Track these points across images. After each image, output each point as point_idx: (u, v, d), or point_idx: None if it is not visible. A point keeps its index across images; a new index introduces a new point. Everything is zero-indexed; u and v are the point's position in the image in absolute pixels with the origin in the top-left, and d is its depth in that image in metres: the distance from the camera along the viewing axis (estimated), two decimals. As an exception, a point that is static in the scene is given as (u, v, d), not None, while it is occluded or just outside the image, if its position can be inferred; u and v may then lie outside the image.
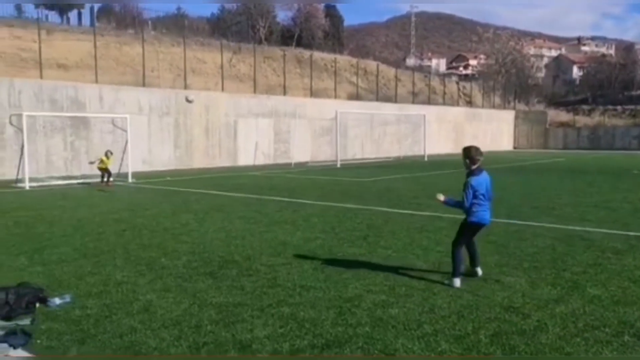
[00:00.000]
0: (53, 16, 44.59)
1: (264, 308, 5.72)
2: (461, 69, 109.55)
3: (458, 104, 53.74)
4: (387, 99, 44.13)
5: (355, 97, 41.70)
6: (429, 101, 47.74)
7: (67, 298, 5.97)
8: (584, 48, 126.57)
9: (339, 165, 29.58)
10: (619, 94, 73.40)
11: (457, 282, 6.47)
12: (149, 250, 8.51)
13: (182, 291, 6.35)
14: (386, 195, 15.84)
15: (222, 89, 31.66)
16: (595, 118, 61.02)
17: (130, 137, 22.44)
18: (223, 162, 30.22)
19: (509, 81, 69.41)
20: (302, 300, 5.98)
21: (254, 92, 33.62)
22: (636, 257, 7.91)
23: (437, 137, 44.63)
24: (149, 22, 48.81)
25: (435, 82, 55.27)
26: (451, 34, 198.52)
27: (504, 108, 57.88)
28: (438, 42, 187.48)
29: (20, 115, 20.11)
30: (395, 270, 7.21)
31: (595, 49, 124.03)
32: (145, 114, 26.98)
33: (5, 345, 4.57)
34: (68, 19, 46.77)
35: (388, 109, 40.83)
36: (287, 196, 15.64)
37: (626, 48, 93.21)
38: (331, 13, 67.02)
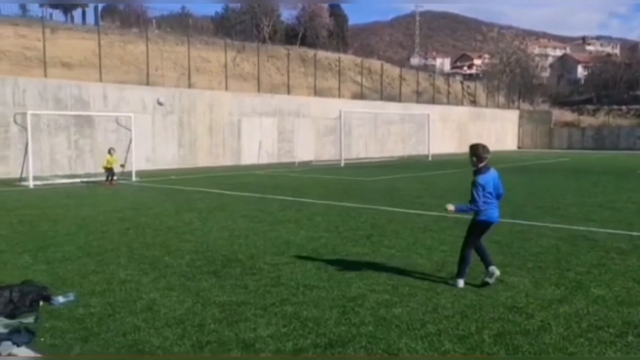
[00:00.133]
0: (57, 15, 44.75)
1: (267, 307, 5.72)
2: (465, 68, 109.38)
3: (462, 104, 53.67)
4: (391, 99, 44.09)
5: (360, 96, 41.67)
6: (433, 101, 47.66)
7: (71, 296, 5.98)
8: (589, 47, 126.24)
9: (342, 165, 29.56)
10: (624, 94, 73.14)
11: (461, 282, 6.45)
12: (152, 249, 8.52)
13: (185, 290, 6.35)
14: (390, 195, 15.82)
15: (226, 88, 31.68)
16: (600, 118, 60.86)
17: (134, 136, 22.47)
18: (227, 161, 30.24)
19: (513, 81, 69.25)
20: (305, 300, 5.97)
21: (258, 91, 33.63)
22: (641, 258, 7.88)
23: (441, 136, 44.58)
24: (153, 21, 48.91)
25: (440, 82, 55.17)
26: (455, 33, 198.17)
27: (508, 108, 57.77)
28: (442, 41, 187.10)
29: (24, 114, 20.16)
30: (398, 269, 7.20)
31: (600, 49, 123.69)
32: (149, 112, 27.03)
33: (9, 343, 4.58)
34: (72, 17, 46.88)
35: (392, 109, 40.80)
36: (290, 195, 15.64)
37: (631, 47, 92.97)
38: (335, 12, 67.01)
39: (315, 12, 62.94)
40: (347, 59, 49.27)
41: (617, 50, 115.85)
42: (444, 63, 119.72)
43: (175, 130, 28.24)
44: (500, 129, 52.69)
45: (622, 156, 39.58)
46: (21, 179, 19.80)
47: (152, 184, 19.39)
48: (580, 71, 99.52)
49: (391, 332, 5.05)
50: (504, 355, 4.58)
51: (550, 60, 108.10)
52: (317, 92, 37.53)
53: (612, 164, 30.94)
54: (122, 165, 20.61)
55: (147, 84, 28.03)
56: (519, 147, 54.48)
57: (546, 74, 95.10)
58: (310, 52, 44.31)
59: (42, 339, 4.84)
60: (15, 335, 4.70)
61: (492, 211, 6.45)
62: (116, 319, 5.41)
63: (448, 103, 50.19)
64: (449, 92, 52.30)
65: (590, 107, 67.01)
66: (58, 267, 7.42)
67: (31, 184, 18.66)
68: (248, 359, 4.52)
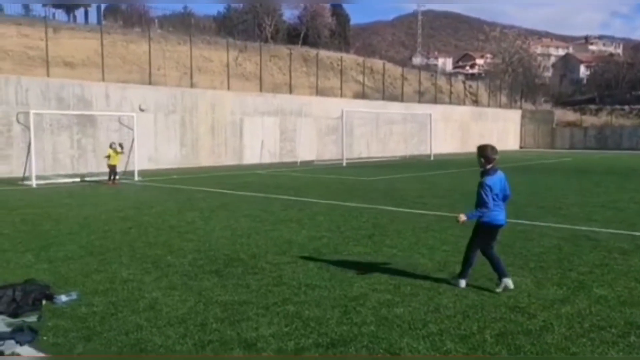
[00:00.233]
0: (60, 14, 44.81)
1: (269, 306, 5.73)
2: (468, 68, 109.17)
3: (464, 103, 53.58)
4: (393, 98, 44.07)
5: (361, 96, 41.65)
6: (435, 100, 47.62)
7: (74, 295, 6.00)
8: (592, 47, 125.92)
9: (344, 164, 29.56)
10: (627, 94, 72.98)
11: (463, 283, 6.43)
12: (154, 248, 8.53)
13: (187, 289, 6.36)
14: (392, 194, 15.82)
15: (228, 88, 31.70)
16: (603, 118, 60.73)
17: (136, 135, 22.49)
18: (229, 160, 30.27)
19: (515, 80, 69.17)
20: (307, 299, 5.98)
21: (260, 90, 33.64)
22: (643, 258, 7.86)
23: (443, 136, 44.55)
24: (156, 21, 48.94)
25: (442, 81, 55.12)
26: (458, 32, 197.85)
27: (511, 107, 57.69)
28: (445, 41, 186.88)
29: (27, 113, 20.20)
30: (400, 269, 7.20)
31: (603, 48, 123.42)
32: (151, 112, 27.05)
33: (12, 341, 4.59)
34: (75, 17, 46.95)
35: (394, 108, 40.78)
36: (292, 195, 15.65)
37: (634, 47, 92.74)
38: (337, 12, 67.00)
39: (317, 12, 62.93)
40: (349, 58, 49.25)
41: (619, 50, 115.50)
42: (446, 63, 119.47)
43: (177, 130, 28.26)
44: (502, 128, 52.64)
45: (625, 156, 39.51)
46: (24, 178, 19.84)
47: (154, 184, 19.42)
48: (583, 71, 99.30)
49: (393, 331, 5.05)
50: (506, 355, 4.58)
51: (552, 59, 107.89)
52: (319, 91, 37.52)
53: (615, 164, 30.89)
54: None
55: (150, 83, 28.06)
56: (521, 147, 54.41)
57: (548, 73, 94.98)
58: (312, 52, 44.31)
59: (44, 338, 4.85)
60: (18, 334, 4.71)
61: (497, 213, 6.28)
62: (118, 318, 5.42)
63: (450, 103, 50.13)
64: (451, 92, 52.25)
65: (592, 106, 66.88)
66: (60, 266, 7.43)
67: (34, 183, 18.70)
68: (250, 358, 4.53)
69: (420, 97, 46.76)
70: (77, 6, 46.64)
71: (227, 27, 53.48)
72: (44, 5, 43.12)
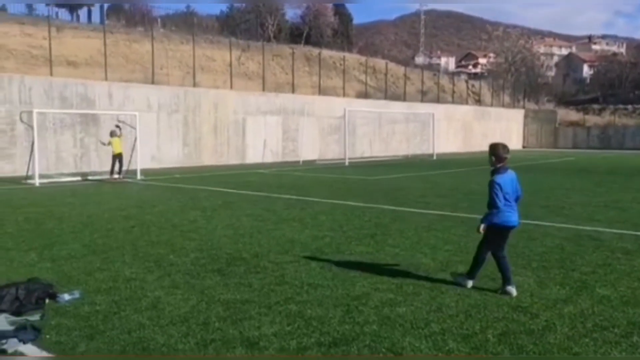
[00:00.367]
0: (63, 14, 44.97)
1: (271, 305, 5.74)
2: (470, 67, 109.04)
3: (467, 103, 53.53)
4: (396, 98, 44.04)
5: (364, 95, 41.64)
6: (437, 100, 47.57)
7: (76, 294, 6.01)
8: (595, 47, 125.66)
9: (347, 164, 29.56)
10: (630, 93, 72.83)
11: (470, 283, 6.36)
12: (157, 247, 8.55)
13: (190, 288, 6.37)
14: (394, 194, 15.81)
15: (231, 87, 31.71)
16: (606, 117, 60.61)
17: (139, 135, 22.52)
18: (231, 159, 30.28)
19: (518, 80, 69.10)
20: (309, 298, 5.98)
21: (263, 90, 33.65)
22: (646, 258, 7.85)
23: (445, 135, 44.50)
24: (159, 20, 49.04)
25: (444, 81, 55.08)
26: (460, 32, 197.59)
27: (514, 107, 57.59)
28: (447, 40, 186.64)
29: (30, 112, 20.23)
30: (402, 268, 7.20)
31: (606, 48, 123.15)
32: (154, 111, 27.10)
33: (15, 340, 4.61)
34: (78, 16, 47.09)
35: (397, 108, 40.76)
36: (295, 194, 15.65)
37: (637, 47, 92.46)
38: (340, 11, 67.02)
39: (320, 11, 62.96)
40: (352, 58, 49.22)
41: (623, 50, 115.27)
42: (448, 62, 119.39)
43: (180, 129, 28.29)
44: (505, 128, 52.53)
45: (628, 156, 39.42)
46: (27, 177, 19.88)
47: (157, 182, 19.44)
48: (586, 70, 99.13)
49: (395, 331, 5.05)
50: (508, 355, 4.58)
51: (555, 59, 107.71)
52: (321, 91, 37.52)
53: (618, 163, 30.83)
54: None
55: (152, 82, 28.09)
56: (524, 147, 54.32)
57: (551, 73, 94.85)
58: (315, 51, 44.29)
59: (47, 336, 4.87)
60: (22, 333, 4.74)
61: (509, 214, 6.08)
62: (121, 316, 5.43)
63: (453, 102, 50.08)
64: (453, 91, 52.20)
65: (595, 106, 66.75)
66: (63, 265, 7.45)
67: (37, 182, 18.74)
68: (252, 357, 4.53)
69: (423, 96, 46.72)
70: (80, 5, 46.78)
71: (229, 26, 53.53)
72: (47, 4, 43.20)
